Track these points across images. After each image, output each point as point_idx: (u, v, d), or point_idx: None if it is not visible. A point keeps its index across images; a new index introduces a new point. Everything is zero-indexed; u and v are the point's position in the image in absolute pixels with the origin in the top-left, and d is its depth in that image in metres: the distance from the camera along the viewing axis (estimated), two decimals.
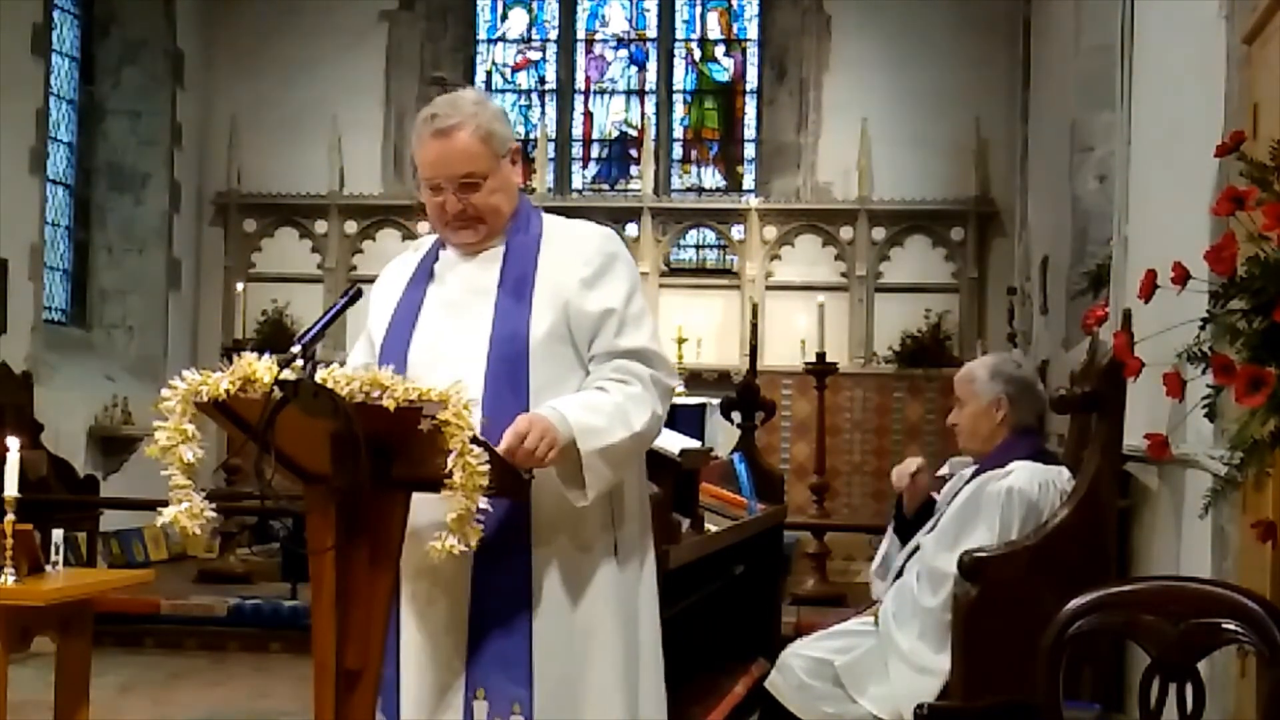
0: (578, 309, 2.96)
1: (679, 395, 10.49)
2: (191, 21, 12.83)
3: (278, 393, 2.68)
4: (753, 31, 13.30)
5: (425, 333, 3.03)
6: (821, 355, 9.65)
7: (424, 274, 3.12)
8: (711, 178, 13.39)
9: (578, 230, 3.11)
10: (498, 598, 2.91)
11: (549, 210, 3.20)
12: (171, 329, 12.54)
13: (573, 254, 3.02)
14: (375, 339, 3.11)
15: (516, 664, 2.89)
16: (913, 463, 4.62)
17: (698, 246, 12.99)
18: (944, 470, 6.85)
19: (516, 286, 2.98)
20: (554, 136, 13.16)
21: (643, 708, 3.03)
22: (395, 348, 3.03)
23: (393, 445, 2.73)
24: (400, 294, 3.12)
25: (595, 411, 2.89)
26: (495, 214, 3.03)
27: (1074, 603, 2.84)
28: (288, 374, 2.68)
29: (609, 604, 2.97)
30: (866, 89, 12.50)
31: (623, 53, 13.54)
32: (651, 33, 13.45)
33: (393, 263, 3.25)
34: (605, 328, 2.97)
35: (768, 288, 12.45)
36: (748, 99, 13.31)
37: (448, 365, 2.87)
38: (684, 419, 8.60)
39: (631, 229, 12.65)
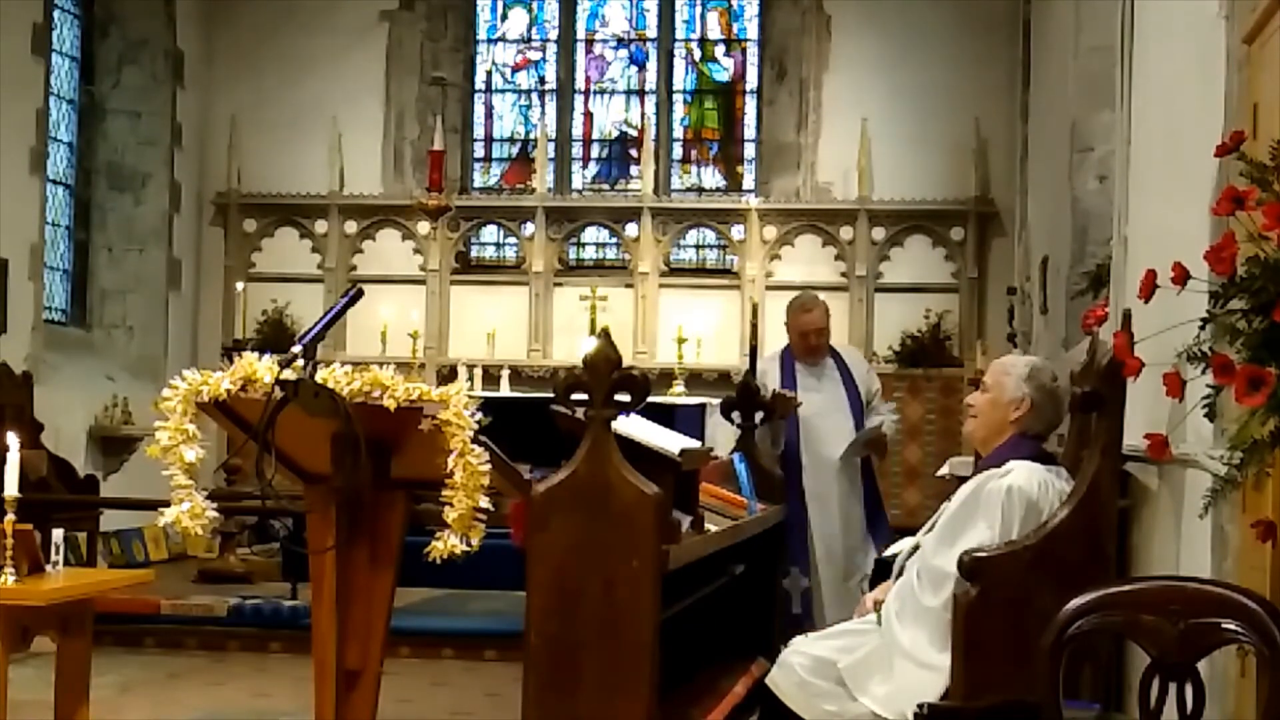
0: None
1: (679, 395, 10.59)
2: (191, 21, 12.82)
3: (278, 392, 2.69)
4: (753, 31, 13.30)
5: None
6: None
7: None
8: (711, 178, 13.39)
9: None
10: None
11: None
12: (171, 329, 12.54)
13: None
14: None
15: None
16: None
17: (698, 246, 13.00)
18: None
19: None
20: (554, 136, 13.15)
21: None
22: None
23: (393, 445, 2.73)
24: None
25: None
26: None
27: (1074, 603, 2.84)
28: (288, 374, 2.68)
29: None
30: (866, 89, 12.50)
31: (623, 53, 13.53)
32: (651, 33, 13.45)
33: None
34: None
35: (768, 288, 12.44)
36: (748, 99, 13.30)
37: None
38: (684, 419, 8.61)
39: (631, 229, 12.66)
